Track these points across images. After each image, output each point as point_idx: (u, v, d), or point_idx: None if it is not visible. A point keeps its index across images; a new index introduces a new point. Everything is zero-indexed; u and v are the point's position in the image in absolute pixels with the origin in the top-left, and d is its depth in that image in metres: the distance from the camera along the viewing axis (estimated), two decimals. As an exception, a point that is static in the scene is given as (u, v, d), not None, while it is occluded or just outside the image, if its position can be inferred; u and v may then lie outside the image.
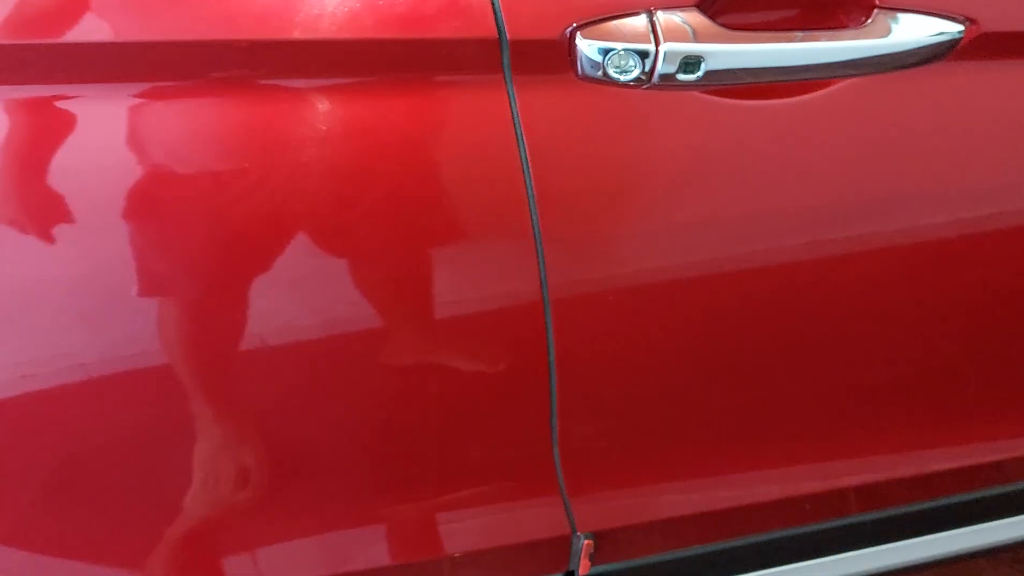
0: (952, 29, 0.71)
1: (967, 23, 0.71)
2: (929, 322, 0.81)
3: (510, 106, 0.67)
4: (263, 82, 0.64)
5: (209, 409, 0.66)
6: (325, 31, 0.63)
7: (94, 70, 0.61)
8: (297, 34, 0.62)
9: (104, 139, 0.62)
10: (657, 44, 0.66)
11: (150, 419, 0.65)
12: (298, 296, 0.65)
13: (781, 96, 0.71)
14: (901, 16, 0.70)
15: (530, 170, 0.68)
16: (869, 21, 0.70)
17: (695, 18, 0.67)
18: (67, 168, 0.61)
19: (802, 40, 0.70)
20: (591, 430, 0.76)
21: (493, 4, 0.64)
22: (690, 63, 0.67)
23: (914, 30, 0.71)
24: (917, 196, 0.76)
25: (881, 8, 0.70)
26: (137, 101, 0.62)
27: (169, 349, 0.64)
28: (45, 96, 0.61)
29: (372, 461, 0.72)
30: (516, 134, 0.67)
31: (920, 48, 0.71)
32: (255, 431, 0.68)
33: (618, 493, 0.78)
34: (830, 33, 0.70)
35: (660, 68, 0.67)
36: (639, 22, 0.66)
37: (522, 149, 0.68)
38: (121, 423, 0.64)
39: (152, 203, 0.63)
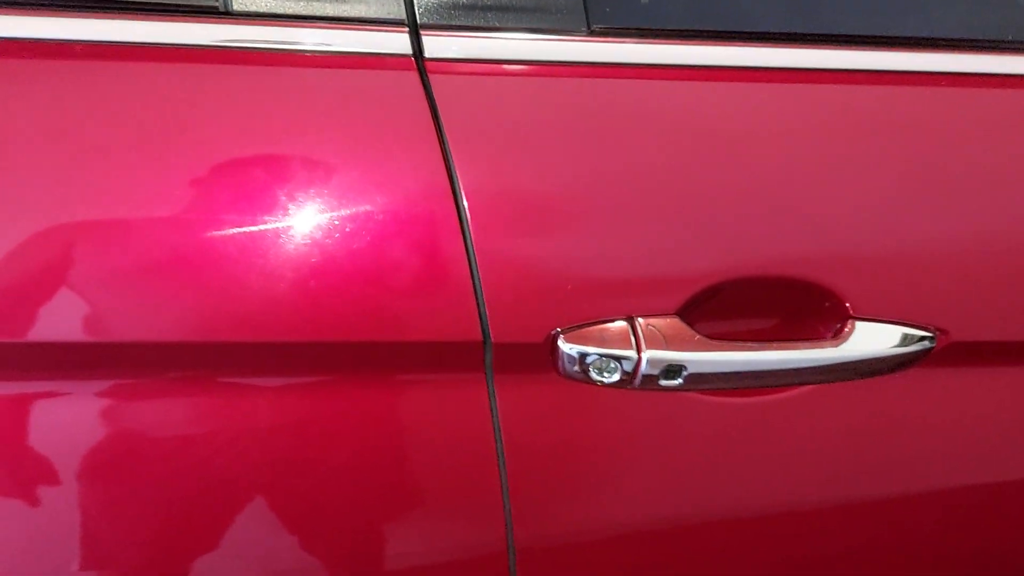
0: (924, 338, 0.73)
1: (938, 333, 0.73)
2: None
3: (489, 403, 0.67)
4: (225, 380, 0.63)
5: None
6: (312, 333, 0.63)
7: (60, 367, 0.60)
8: (284, 336, 0.62)
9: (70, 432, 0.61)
10: (639, 351, 0.67)
11: None
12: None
13: (761, 395, 0.72)
14: (875, 326, 0.72)
15: (506, 466, 0.67)
16: (844, 331, 0.72)
17: (676, 326, 0.68)
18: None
19: (779, 349, 0.71)
20: None
21: (479, 311, 0.65)
22: (672, 370, 0.68)
23: (887, 340, 0.72)
24: (885, 496, 0.77)
25: (855, 318, 0.72)
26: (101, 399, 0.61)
27: None
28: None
29: None
30: (494, 429, 0.67)
31: (893, 357, 0.73)
32: None
33: None
34: (806, 343, 0.71)
35: (642, 372, 0.67)
36: (621, 328, 0.67)
37: (499, 444, 0.67)
38: None
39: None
